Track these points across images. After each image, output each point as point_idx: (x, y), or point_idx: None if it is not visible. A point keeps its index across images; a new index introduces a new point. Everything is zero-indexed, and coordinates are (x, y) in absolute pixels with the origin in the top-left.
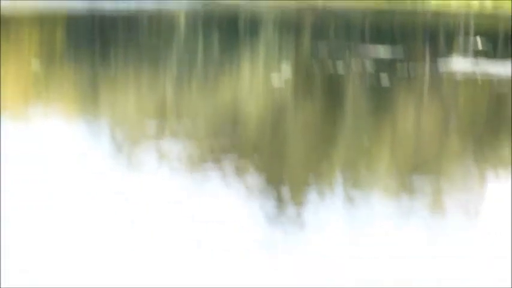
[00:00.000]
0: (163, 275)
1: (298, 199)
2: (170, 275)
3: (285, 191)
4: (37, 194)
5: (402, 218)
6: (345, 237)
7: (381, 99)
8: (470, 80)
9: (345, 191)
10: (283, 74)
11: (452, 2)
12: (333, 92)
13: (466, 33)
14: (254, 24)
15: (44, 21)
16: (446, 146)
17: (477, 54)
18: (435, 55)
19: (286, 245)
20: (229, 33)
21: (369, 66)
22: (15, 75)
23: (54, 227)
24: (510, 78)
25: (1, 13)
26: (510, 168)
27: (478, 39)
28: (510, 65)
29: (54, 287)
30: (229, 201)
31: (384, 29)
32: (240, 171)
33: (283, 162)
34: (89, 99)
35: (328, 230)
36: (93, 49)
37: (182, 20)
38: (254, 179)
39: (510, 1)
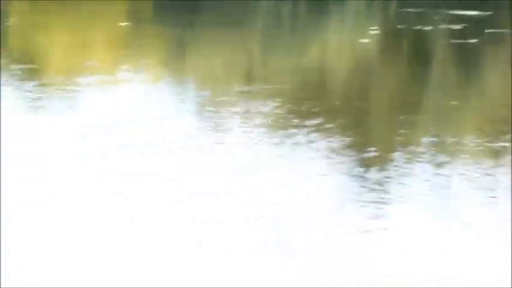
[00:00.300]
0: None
1: (382, 163)
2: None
3: (370, 154)
4: (125, 153)
5: (488, 188)
6: (427, 204)
7: (469, 58)
8: None
9: (431, 155)
10: (370, 38)
11: None
12: (420, 54)
13: None
14: None
15: None
16: None
17: None
18: None
19: (368, 211)
20: None
21: (457, 25)
22: (103, 37)
23: (144, 185)
24: None
25: None
26: None
27: None
28: None
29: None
30: (313, 164)
31: None
32: (325, 134)
33: (369, 124)
34: (176, 61)
35: (411, 195)
36: (181, 10)
37: None
38: (339, 141)
39: None
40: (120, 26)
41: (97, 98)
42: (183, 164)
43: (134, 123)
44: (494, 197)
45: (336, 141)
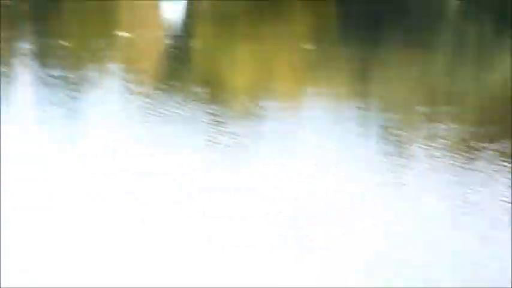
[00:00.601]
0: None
1: None
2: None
3: None
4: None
5: None
6: None
7: None
8: None
9: None
10: None
11: None
12: None
13: None
14: None
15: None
16: None
17: None
18: None
19: None
20: (503, 17)
21: None
22: (287, 59)
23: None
24: None
25: None
26: None
27: None
28: None
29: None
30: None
31: None
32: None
33: None
34: (359, 83)
35: None
36: (364, 28)
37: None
38: None
39: None
40: (304, 48)
41: (282, 122)
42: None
43: (318, 146)
44: None
45: None
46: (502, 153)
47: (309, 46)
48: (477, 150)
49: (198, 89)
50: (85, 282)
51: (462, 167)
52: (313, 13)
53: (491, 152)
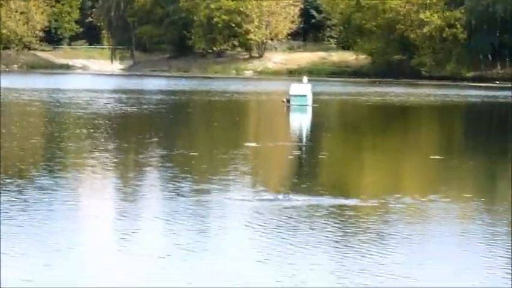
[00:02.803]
0: None
1: None
2: None
3: None
4: None
5: None
6: None
7: None
8: None
9: None
10: None
11: None
12: None
13: None
14: None
15: (442, 110)
16: None
17: None
18: None
19: None
20: None
21: None
22: (415, 169)
23: None
24: None
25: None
26: None
27: None
28: None
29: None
30: None
31: None
32: None
33: None
34: (487, 196)
35: None
36: (492, 141)
37: None
38: None
39: None
40: (432, 158)
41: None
42: None
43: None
44: None
45: None
46: None
47: (437, 157)
48: None
49: (329, 201)
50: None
51: None
52: (440, 123)
53: None
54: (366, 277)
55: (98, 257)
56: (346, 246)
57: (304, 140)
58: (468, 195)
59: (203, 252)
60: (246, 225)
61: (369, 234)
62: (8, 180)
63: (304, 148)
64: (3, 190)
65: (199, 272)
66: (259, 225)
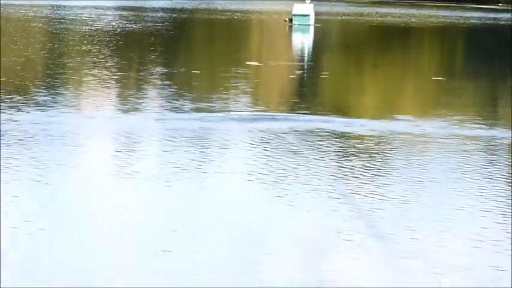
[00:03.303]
0: None
1: None
2: None
3: None
4: None
5: None
6: None
7: None
8: None
9: None
10: None
11: None
12: None
13: None
14: None
15: (444, 32)
16: None
17: None
18: None
19: None
20: None
21: None
22: (416, 89)
23: None
24: None
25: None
26: None
27: None
28: None
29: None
30: None
31: None
32: None
33: None
34: (489, 115)
35: None
36: (493, 60)
37: None
38: None
39: None
40: (434, 79)
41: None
42: None
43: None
44: None
45: None
46: None
47: (438, 78)
48: None
49: (330, 118)
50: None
51: None
52: (442, 45)
53: None
54: (361, 198)
55: (98, 179)
56: (342, 167)
57: (306, 59)
58: (469, 117)
59: (198, 173)
60: (243, 146)
61: (367, 155)
62: (8, 96)
63: (306, 67)
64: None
65: (190, 193)
66: (257, 145)
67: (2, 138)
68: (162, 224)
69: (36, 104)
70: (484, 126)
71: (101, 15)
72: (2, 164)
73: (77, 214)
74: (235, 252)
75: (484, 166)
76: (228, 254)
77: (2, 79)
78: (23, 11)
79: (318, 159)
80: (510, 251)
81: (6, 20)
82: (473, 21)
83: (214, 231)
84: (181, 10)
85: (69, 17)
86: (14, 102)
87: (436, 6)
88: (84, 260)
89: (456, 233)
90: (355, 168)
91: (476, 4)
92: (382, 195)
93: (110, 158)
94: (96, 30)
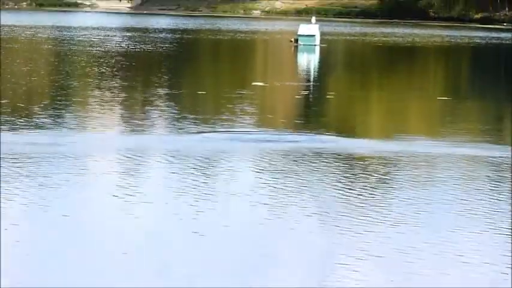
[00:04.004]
0: None
1: None
2: None
3: None
4: None
5: None
6: None
7: None
8: None
9: None
10: None
11: None
12: None
13: None
14: None
15: (449, 51)
16: None
17: None
18: None
19: None
20: None
21: None
22: (421, 108)
23: None
24: None
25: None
26: None
27: None
28: None
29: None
30: None
31: None
32: None
33: None
34: (494, 133)
35: None
36: (498, 80)
37: None
38: None
39: None
40: (439, 99)
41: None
42: None
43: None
44: None
45: None
46: None
47: (443, 98)
48: None
49: (334, 137)
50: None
51: None
52: (446, 64)
53: None
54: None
55: (100, 200)
56: (350, 189)
57: (311, 79)
58: (475, 137)
59: (200, 195)
60: (248, 166)
61: (373, 176)
62: (10, 118)
63: (311, 88)
64: (7, 127)
65: (195, 215)
66: (262, 166)
67: (3, 159)
68: (167, 247)
69: (53, 124)
70: (490, 146)
71: (108, 36)
72: (4, 186)
73: (80, 235)
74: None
75: (490, 187)
76: (230, 276)
77: (11, 102)
78: (31, 32)
79: (322, 181)
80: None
81: (15, 41)
82: (478, 40)
83: (217, 254)
84: (185, 31)
85: (77, 38)
86: (15, 124)
87: (441, 26)
88: (86, 282)
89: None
90: (360, 190)
91: (481, 24)
92: (385, 217)
93: (113, 179)
94: (107, 51)
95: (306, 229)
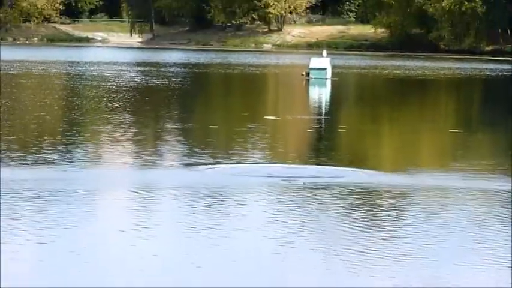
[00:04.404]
0: None
1: None
2: None
3: None
4: None
5: None
6: None
7: None
8: None
9: None
10: None
11: None
12: None
13: None
14: None
15: (460, 84)
16: None
17: None
18: None
19: None
20: None
21: None
22: (433, 141)
23: None
24: None
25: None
26: None
27: None
28: None
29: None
30: None
31: None
32: None
33: None
34: (507, 164)
35: None
36: (509, 112)
37: None
38: None
39: None
40: (451, 132)
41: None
42: None
43: None
44: None
45: None
46: None
47: (456, 130)
48: None
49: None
50: None
51: None
52: (458, 97)
53: None
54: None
55: (110, 236)
56: (362, 225)
57: (323, 113)
58: (488, 170)
59: (214, 230)
60: (260, 203)
61: (383, 209)
62: (20, 154)
63: (323, 121)
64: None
65: (207, 251)
66: (274, 202)
67: (8, 196)
68: (174, 281)
69: (71, 159)
70: (502, 178)
71: (120, 70)
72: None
73: (90, 272)
74: None
75: (502, 221)
76: None
77: (23, 137)
78: (43, 67)
79: (334, 215)
80: None
81: (28, 76)
82: (488, 72)
83: None
84: (196, 65)
85: (90, 73)
86: (24, 160)
87: (452, 59)
88: None
89: None
90: (371, 224)
91: (492, 56)
92: (391, 252)
93: (123, 214)
94: (119, 86)
95: (311, 264)
